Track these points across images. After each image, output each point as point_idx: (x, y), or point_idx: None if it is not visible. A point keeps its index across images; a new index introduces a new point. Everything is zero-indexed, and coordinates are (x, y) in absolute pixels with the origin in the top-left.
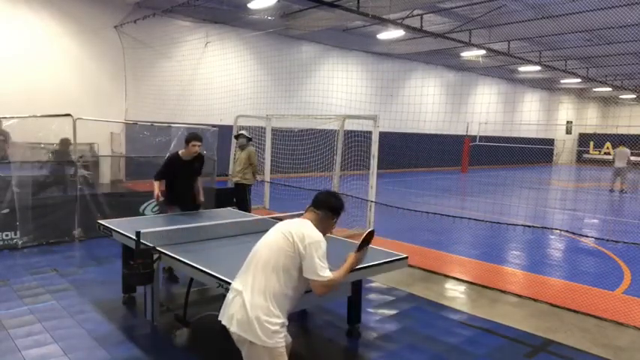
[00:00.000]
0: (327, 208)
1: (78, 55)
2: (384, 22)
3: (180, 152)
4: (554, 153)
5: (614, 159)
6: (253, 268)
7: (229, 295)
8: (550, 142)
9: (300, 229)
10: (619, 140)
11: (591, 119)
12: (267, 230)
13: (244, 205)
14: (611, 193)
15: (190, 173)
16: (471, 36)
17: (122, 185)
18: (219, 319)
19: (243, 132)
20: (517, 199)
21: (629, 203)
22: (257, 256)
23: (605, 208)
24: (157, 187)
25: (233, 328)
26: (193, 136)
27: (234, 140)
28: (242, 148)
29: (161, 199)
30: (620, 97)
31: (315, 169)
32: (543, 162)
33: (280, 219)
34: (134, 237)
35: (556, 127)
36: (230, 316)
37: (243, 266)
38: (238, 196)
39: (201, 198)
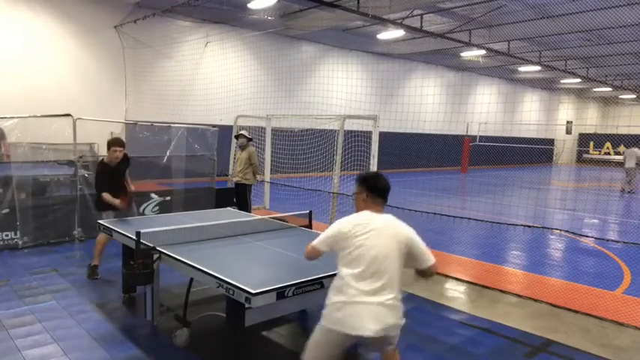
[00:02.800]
0: (357, 182)
1: (78, 55)
2: (384, 22)
3: (105, 160)
4: (554, 153)
5: (624, 160)
6: (378, 278)
7: (350, 300)
8: (550, 142)
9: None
10: (619, 140)
11: (591, 119)
12: (267, 231)
13: (245, 206)
14: (622, 194)
15: (121, 176)
16: (470, 36)
17: None
18: (335, 324)
19: (243, 132)
20: (517, 199)
21: (631, 203)
22: (381, 266)
23: (606, 208)
24: (110, 197)
25: (374, 336)
26: (114, 141)
27: (234, 140)
28: (242, 148)
29: (121, 204)
30: (620, 97)
31: (315, 169)
32: (543, 162)
33: (281, 219)
34: (134, 237)
35: (556, 127)
36: (367, 322)
37: (363, 270)
38: (239, 196)
39: (131, 187)
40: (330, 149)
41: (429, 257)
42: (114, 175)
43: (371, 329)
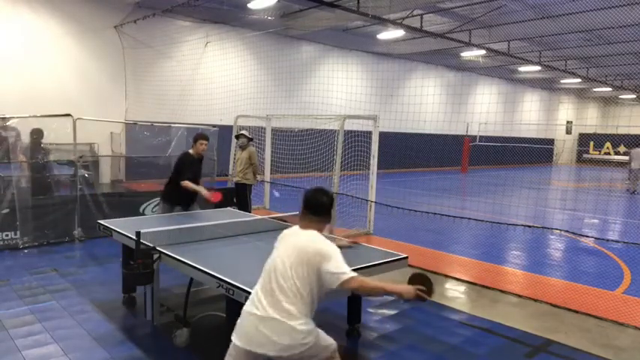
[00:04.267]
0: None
1: (78, 55)
2: (384, 22)
3: (190, 151)
4: (554, 153)
5: (630, 160)
6: (269, 288)
7: (243, 313)
8: (550, 142)
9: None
10: (619, 140)
11: (591, 119)
12: (267, 230)
13: (245, 206)
14: (633, 195)
15: (197, 171)
16: (470, 36)
17: (122, 185)
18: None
19: (243, 132)
20: (517, 199)
21: (631, 203)
22: (272, 275)
23: (606, 208)
24: (193, 185)
25: (255, 348)
26: (201, 135)
27: (234, 140)
28: (243, 148)
29: (211, 197)
30: (620, 97)
31: (315, 169)
32: (543, 162)
33: (282, 219)
34: (134, 237)
35: (556, 127)
36: (250, 338)
37: (262, 284)
38: (239, 196)
39: (205, 192)
40: (330, 149)
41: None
42: (194, 169)
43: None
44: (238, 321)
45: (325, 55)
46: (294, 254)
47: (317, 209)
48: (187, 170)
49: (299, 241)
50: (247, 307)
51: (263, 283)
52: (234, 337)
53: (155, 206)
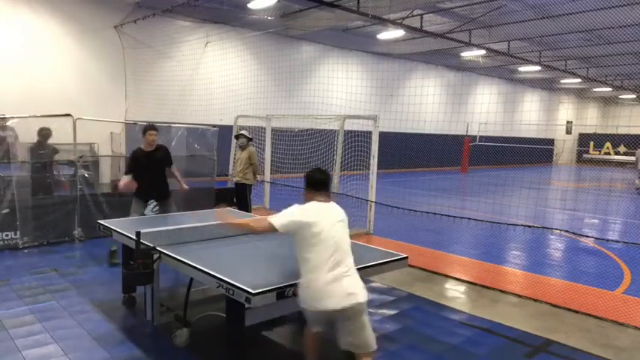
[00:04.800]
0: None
1: (78, 55)
2: (384, 22)
3: (141, 146)
4: (554, 153)
5: (636, 161)
6: (344, 253)
7: (339, 280)
8: (550, 142)
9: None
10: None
11: (591, 119)
12: None
13: (245, 205)
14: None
15: (155, 164)
16: (470, 36)
17: None
18: (326, 307)
19: (243, 132)
20: (517, 199)
21: (632, 203)
22: (341, 243)
23: (606, 208)
24: (123, 179)
25: (360, 299)
26: (148, 126)
27: (234, 140)
28: (242, 148)
29: (122, 187)
30: (620, 97)
31: None
32: (543, 162)
33: None
34: (134, 237)
35: (556, 127)
36: (353, 293)
37: (330, 255)
38: (239, 196)
39: (184, 185)
40: (330, 149)
41: None
42: (148, 161)
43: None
44: (325, 289)
45: (325, 55)
46: (341, 223)
47: (329, 184)
48: (132, 165)
49: (338, 212)
50: (331, 273)
51: (331, 250)
52: (326, 305)
53: (155, 206)
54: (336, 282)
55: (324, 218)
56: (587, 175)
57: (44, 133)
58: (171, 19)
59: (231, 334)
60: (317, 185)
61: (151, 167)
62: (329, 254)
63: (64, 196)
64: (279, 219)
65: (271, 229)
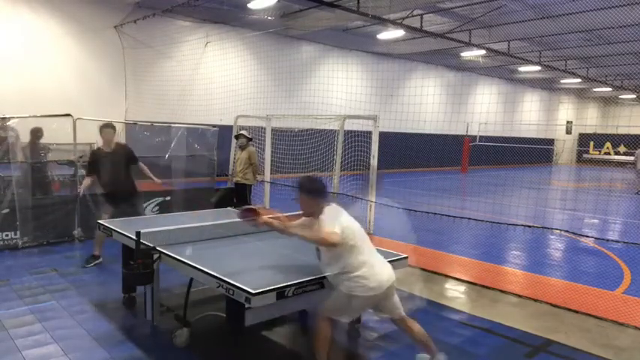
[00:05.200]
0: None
1: (78, 55)
2: (384, 22)
3: (100, 146)
4: (554, 153)
5: (635, 161)
6: (371, 246)
7: (375, 268)
8: (550, 142)
9: None
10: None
11: (591, 119)
12: (267, 231)
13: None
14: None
15: (118, 163)
16: (470, 36)
17: None
18: (383, 287)
19: (243, 132)
20: (517, 199)
21: (631, 203)
22: (367, 238)
23: (606, 208)
24: (85, 181)
25: (393, 283)
26: (103, 124)
27: (234, 140)
28: (242, 148)
29: (82, 193)
30: (620, 97)
31: (315, 169)
32: (543, 162)
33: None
34: (134, 237)
35: (556, 127)
36: (389, 275)
37: (369, 245)
38: (239, 196)
39: (156, 179)
40: (330, 149)
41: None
42: (109, 161)
43: None
44: (381, 272)
45: (325, 55)
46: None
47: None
48: (91, 165)
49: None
50: (376, 259)
51: (367, 244)
52: (382, 285)
53: (155, 206)
54: (382, 264)
55: (349, 217)
56: (587, 175)
57: (39, 135)
58: (171, 19)
59: (231, 334)
60: (322, 193)
61: (113, 167)
62: (368, 244)
63: (64, 196)
64: (334, 230)
65: (332, 241)
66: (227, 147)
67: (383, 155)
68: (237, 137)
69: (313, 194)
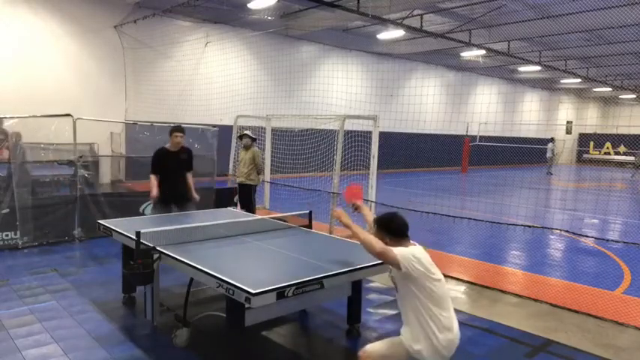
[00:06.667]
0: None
1: (78, 55)
2: (384, 22)
3: (166, 145)
4: (555, 153)
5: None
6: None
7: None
8: (550, 142)
9: None
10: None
11: (591, 119)
12: (267, 230)
13: (249, 206)
14: None
15: (179, 165)
16: (470, 36)
17: (122, 185)
18: (450, 354)
19: (247, 132)
20: (517, 199)
21: (631, 203)
22: (447, 290)
23: (606, 208)
24: (155, 183)
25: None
26: (175, 127)
27: (234, 140)
28: (247, 148)
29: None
30: (620, 97)
31: (315, 169)
32: (543, 162)
33: (281, 219)
34: (134, 237)
35: (556, 127)
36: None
37: (450, 304)
38: (243, 197)
39: (195, 195)
40: (330, 149)
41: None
42: (172, 162)
43: None
44: (454, 341)
45: (325, 55)
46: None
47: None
48: (157, 164)
49: None
50: (454, 330)
51: (449, 300)
52: (451, 352)
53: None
54: (456, 329)
55: (434, 265)
56: (587, 175)
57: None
58: (171, 19)
59: (231, 334)
60: (405, 230)
61: (174, 169)
62: (450, 304)
63: (64, 196)
64: (398, 250)
65: (390, 256)
66: (227, 147)
67: (383, 155)
68: (241, 137)
69: (392, 232)
